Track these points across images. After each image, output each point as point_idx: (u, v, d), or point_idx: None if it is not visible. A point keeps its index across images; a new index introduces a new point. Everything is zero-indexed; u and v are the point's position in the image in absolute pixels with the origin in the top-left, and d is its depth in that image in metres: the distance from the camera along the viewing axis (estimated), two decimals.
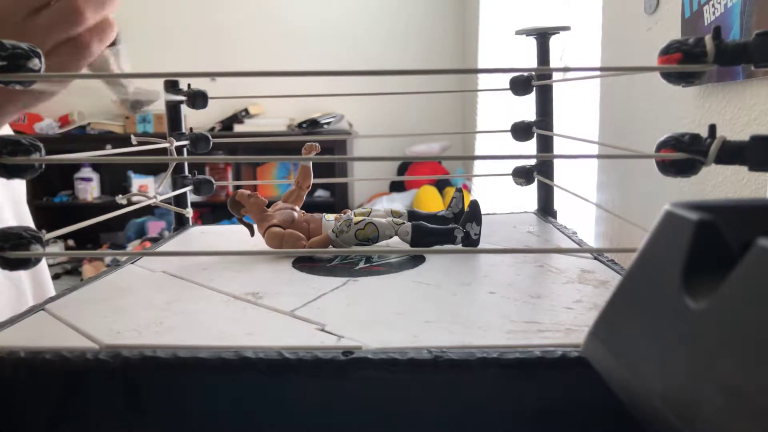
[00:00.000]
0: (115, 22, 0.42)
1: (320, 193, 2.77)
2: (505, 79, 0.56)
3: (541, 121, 0.57)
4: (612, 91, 1.11)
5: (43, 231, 0.30)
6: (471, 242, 0.44)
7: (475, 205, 0.44)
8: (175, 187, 0.56)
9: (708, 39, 0.27)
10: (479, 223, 0.44)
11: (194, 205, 0.60)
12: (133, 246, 2.61)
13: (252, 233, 0.48)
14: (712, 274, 0.14)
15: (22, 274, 0.68)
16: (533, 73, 0.54)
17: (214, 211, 2.77)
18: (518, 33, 0.57)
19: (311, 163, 0.50)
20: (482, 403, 0.25)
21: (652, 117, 0.93)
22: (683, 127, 0.83)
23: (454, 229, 0.44)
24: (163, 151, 0.54)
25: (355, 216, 0.46)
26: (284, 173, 2.79)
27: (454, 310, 0.31)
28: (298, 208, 0.48)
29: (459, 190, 0.49)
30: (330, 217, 0.47)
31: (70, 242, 2.63)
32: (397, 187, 2.73)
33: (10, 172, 0.29)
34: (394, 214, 0.47)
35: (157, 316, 0.31)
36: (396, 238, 0.45)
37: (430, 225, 0.45)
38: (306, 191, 0.50)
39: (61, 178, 2.78)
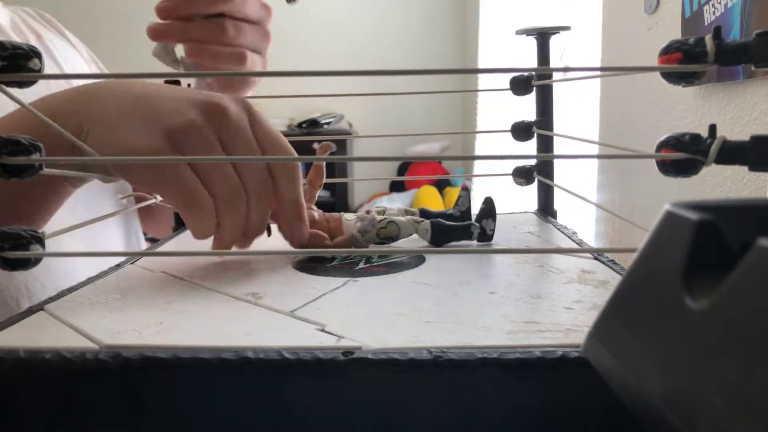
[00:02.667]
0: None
1: (320, 192, 2.75)
2: (505, 79, 0.56)
3: (541, 121, 0.57)
4: (612, 91, 1.11)
5: (43, 231, 0.30)
6: (486, 237, 0.45)
7: (489, 201, 0.46)
8: None
9: (708, 39, 0.27)
10: (494, 219, 0.46)
11: None
12: None
13: (269, 233, 0.47)
14: (712, 274, 0.14)
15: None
16: (533, 73, 0.54)
17: None
18: (518, 33, 0.57)
19: (324, 162, 0.50)
20: (482, 403, 0.25)
21: (652, 117, 0.93)
22: (683, 127, 0.82)
23: (470, 225, 0.45)
24: None
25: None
26: None
27: (454, 310, 0.31)
28: (316, 208, 0.48)
29: (465, 189, 0.49)
30: (350, 217, 0.47)
31: None
32: (397, 187, 2.73)
33: (10, 172, 0.29)
34: (408, 213, 0.48)
35: (157, 316, 0.31)
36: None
37: (447, 222, 0.45)
38: (318, 190, 0.50)
39: None
